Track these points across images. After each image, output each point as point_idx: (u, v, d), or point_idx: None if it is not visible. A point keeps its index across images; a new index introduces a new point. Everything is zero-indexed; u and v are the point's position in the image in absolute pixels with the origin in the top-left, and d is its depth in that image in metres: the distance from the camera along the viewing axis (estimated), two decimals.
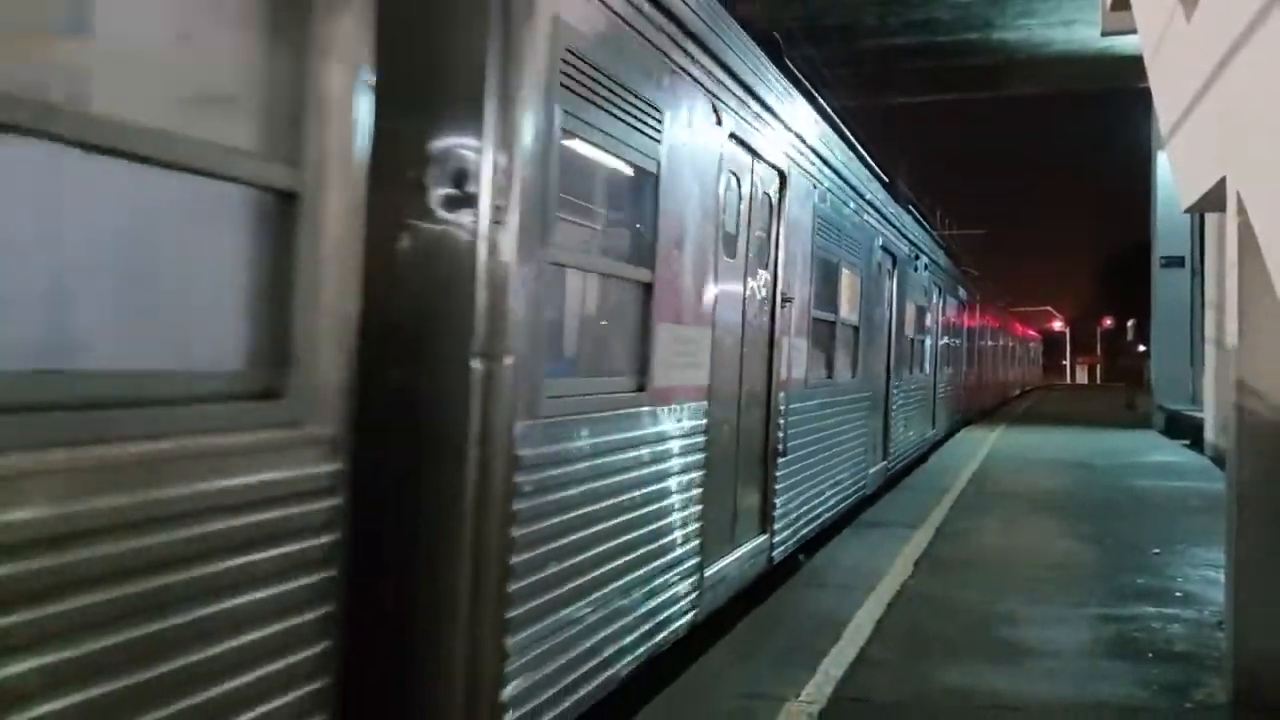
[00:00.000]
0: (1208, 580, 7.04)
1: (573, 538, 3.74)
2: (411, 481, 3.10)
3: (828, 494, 8.46)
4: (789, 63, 8.05)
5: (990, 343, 29.27)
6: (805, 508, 7.65)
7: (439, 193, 3.12)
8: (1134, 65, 10.27)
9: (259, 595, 2.31)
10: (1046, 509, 10.68)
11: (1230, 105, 4.92)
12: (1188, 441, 18.42)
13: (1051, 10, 20.73)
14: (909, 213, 14.54)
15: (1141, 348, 38.62)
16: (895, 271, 12.09)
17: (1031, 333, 56.94)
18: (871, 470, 10.67)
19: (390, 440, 2.95)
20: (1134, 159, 28.48)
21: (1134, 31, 8.86)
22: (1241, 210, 4.67)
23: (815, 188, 7.66)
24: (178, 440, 2.08)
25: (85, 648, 1.90)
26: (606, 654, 4.04)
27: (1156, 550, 8.25)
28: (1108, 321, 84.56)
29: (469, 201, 3.13)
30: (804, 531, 7.65)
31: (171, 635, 2.08)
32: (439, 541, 3.12)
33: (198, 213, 2.29)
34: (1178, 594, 6.78)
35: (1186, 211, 6.85)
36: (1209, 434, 16.24)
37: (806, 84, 8.74)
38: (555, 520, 3.60)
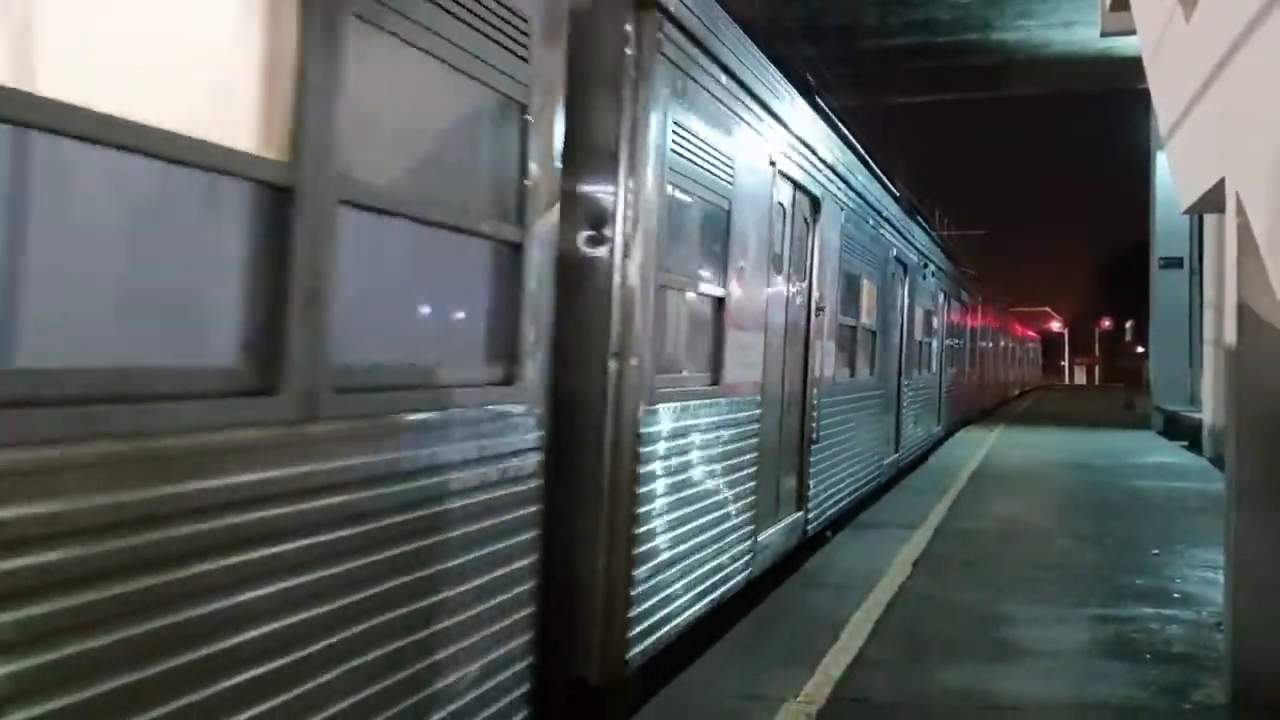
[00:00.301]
0: (1206, 581, 7.05)
1: (673, 496, 4.92)
2: (570, 448, 4.18)
3: (851, 479, 9.58)
4: (819, 100, 9.77)
5: (991, 344, 30.14)
6: (833, 490, 8.74)
7: (586, 234, 4.37)
8: (1133, 66, 10.27)
9: (512, 516, 3.51)
10: (1045, 509, 10.69)
11: (1230, 106, 4.92)
12: (1186, 442, 18.44)
13: (1051, 11, 20.73)
14: (917, 222, 15.80)
15: (1140, 349, 38.65)
16: (907, 279, 13.19)
17: (1030, 334, 57.02)
18: (886, 461, 11.68)
19: (558, 418, 3.92)
20: (1133, 160, 28.49)
21: (1133, 32, 8.86)
22: (1241, 211, 4.67)
23: (842, 209, 8.77)
24: (464, 410, 3.23)
25: (406, 564, 2.94)
26: (691, 592, 5.22)
27: (1155, 551, 8.26)
28: (1106, 322, 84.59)
29: (605, 241, 4.38)
30: (831, 511, 8.68)
31: (476, 536, 3.29)
32: (589, 493, 4.34)
33: (472, 260, 3.46)
34: (1176, 595, 6.78)
35: (1186, 212, 6.85)
36: (1207, 435, 16.25)
37: (835, 118, 10.50)
38: (662, 481, 4.78)
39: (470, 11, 3.16)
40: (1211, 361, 16.63)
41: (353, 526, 2.69)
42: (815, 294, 7.86)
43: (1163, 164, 20.85)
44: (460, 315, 3.55)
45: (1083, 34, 20.78)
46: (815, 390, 7.83)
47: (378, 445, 2.81)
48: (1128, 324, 41.96)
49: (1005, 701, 4.68)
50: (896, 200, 13.40)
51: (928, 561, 7.73)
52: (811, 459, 7.83)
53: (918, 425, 14.66)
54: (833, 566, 7.50)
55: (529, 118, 3.60)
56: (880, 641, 5.57)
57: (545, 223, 3.74)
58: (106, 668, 1.98)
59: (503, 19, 3.37)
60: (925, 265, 15.16)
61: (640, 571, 4.52)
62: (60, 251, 2.04)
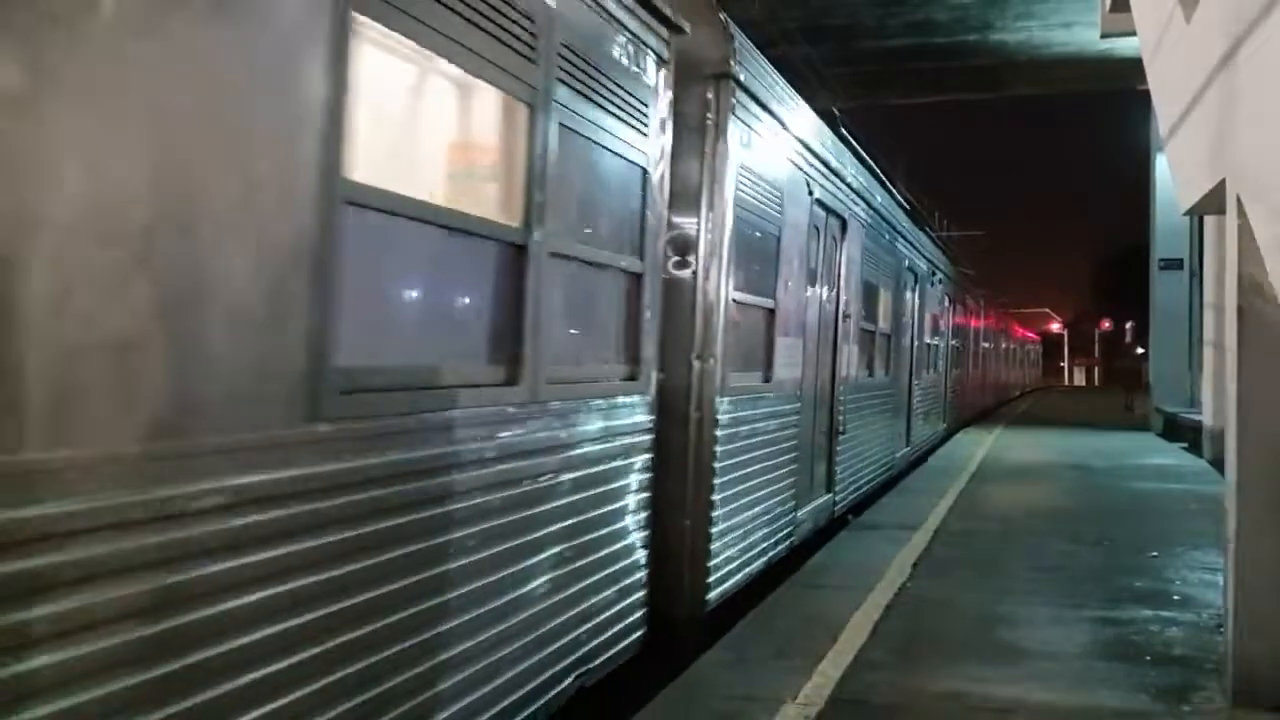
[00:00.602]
0: (1206, 583, 7.04)
1: (738, 473, 6.18)
2: (665, 430, 5.18)
3: (870, 468, 10.91)
4: (844, 130, 11.42)
5: (993, 345, 31.41)
6: (855, 476, 10.03)
7: (676, 260, 5.54)
8: (1133, 67, 10.27)
9: (635, 480, 4.79)
10: (1045, 511, 10.67)
11: (1230, 107, 4.91)
12: (1186, 444, 18.43)
13: (1051, 12, 20.69)
14: (924, 232, 17.21)
15: (1139, 350, 38.66)
16: (917, 286, 14.40)
17: (1030, 335, 57.08)
18: (898, 454, 12.98)
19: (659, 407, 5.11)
20: (1133, 161, 28.50)
21: (1133, 33, 8.85)
22: (1241, 213, 4.66)
23: (863, 227, 9.93)
24: (606, 402, 4.46)
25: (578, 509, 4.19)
26: (752, 551, 6.57)
27: (1154, 553, 8.24)
28: (1106, 323, 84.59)
29: (690, 265, 5.63)
30: (853, 495, 9.92)
31: (616, 492, 4.57)
32: (678, 465, 5.53)
33: (613, 288, 4.71)
34: (1176, 597, 6.77)
35: (1186, 214, 6.84)
36: (1207, 437, 16.24)
37: (857, 146, 11.72)
38: (732, 460, 6.06)
39: (624, 111, 4.51)
40: (1211, 363, 16.62)
41: (557, 475, 4.01)
42: (842, 303, 9.02)
43: (1162, 165, 20.84)
44: (608, 329, 4.71)
45: (1083, 35, 20.76)
46: (841, 388, 9.04)
47: (567, 420, 4.09)
48: (1127, 325, 41.89)
49: (1004, 704, 4.67)
50: (907, 213, 14.68)
51: (927, 563, 7.71)
52: (838, 449, 9.06)
53: (926, 422, 15.84)
54: (832, 567, 7.49)
55: (649, 176, 4.85)
56: (879, 643, 5.56)
57: (656, 255, 4.97)
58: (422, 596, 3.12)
59: (641, 112, 4.71)
60: (933, 273, 16.47)
61: (716, 530, 5.81)
62: (406, 289, 3.43)
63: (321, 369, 2.60)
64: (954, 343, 19.90)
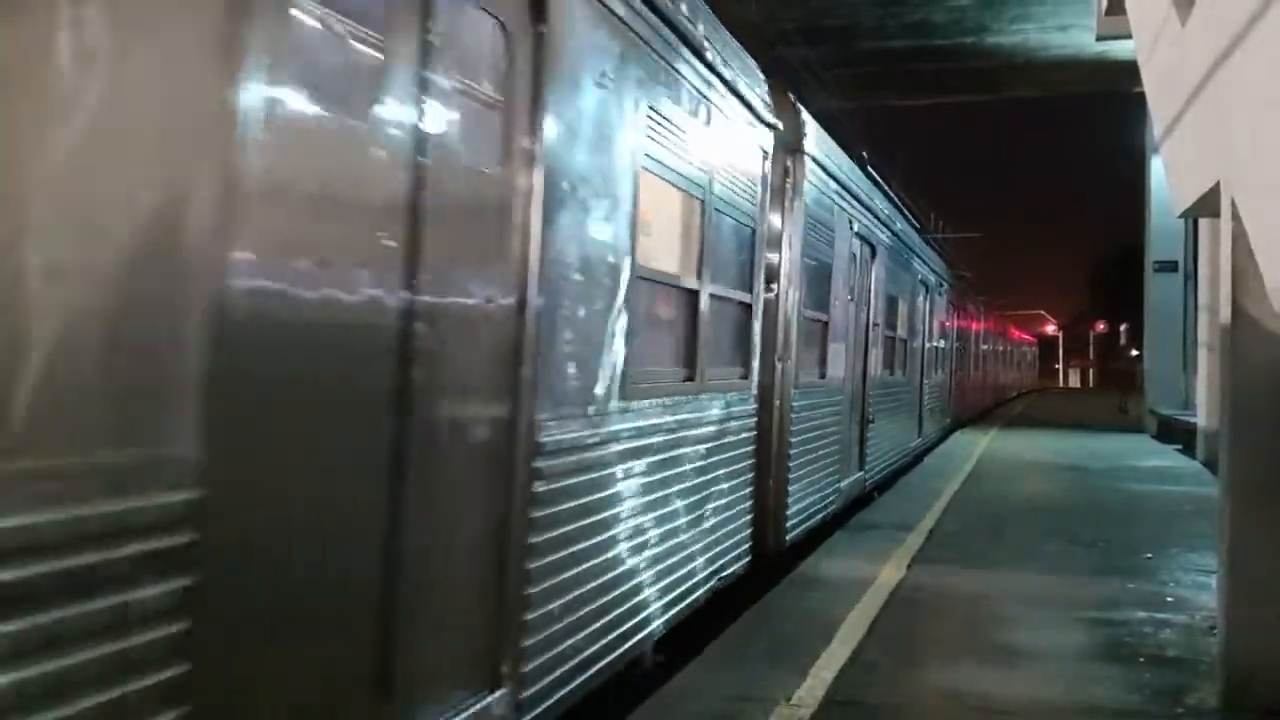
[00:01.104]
0: (1199, 585, 7.06)
1: (805, 449, 8.06)
2: (757, 417, 6.85)
3: (892, 452, 13.17)
4: (870, 170, 13.59)
5: (992, 348, 33.19)
6: (881, 458, 12.10)
7: (763, 283, 6.96)
8: (1129, 70, 10.28)
9: (747, 448, 6.65)
10: (1040, 512, 10.69)
11: (1225, 110, 4.92)
12: (1180, 446, 18.46)
13: (1047, 15, 20.72)
14: (931, 246, 19.14)
15: (1134, 352, 38.73)
16: (927, 297, 16.41)
17: (1027, 337, 57.25)
18: (911, 444, 15.17)
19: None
20: (1128, 163, 28.53)
21: (1128, 36, 8.87)
22: (1236, 215, 4.67)
23: (887, 250, 12.05)
24: (733, 394, 6.29)
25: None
26: (812, 509, 8.50)
27: (1149, 555, 8.26)
28: (1101, 325, 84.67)
29: (774, 290, 7.40)
30: (879, 474, 11.97)
31: (738, 457, 6.48)
32: (767, 441, 7.22)
33: (736, 315, 6.48)
34: (1170, 598, 6.79)
35: (1181, 216, 6.85)
36: (1201, 438, 16.27)
37: (883, 183, 14.62)
38: (801, 439, 7.88)
39: (745, 191, 6.48)
40: (1206, 365, 16.65)
41: (710, 441, 5.83)
42: (872, 313, 11.17)
43: (1157, 168, 20.88)
44: (733, 342, 6.48)
45: (1079, 38, 20.78)
46: (870, 385, 11.09)
47: (716, 405, 5.95)
48: (1122, 327, 41.93)
49: (999, 704, 4.68)
50: (918, 231, 16.83)
51: (921, 563, 7.73)
52: (868, 435, 11.03)
53: (934, 417, 17.95)
54: (827, 568, 7.50)
55: (756, 232, 6.79)
56: (874, 644, 5.57)
57: (759, 289, 6.86)
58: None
59: (754, 189, 6.71)
60: (940, 284, 18.49)
61: (791, 490, 7.68)
62: (655, 327, 5.32)
63: (626, 372, 4.50)
64: (957, 345, 21.90)
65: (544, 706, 3.74)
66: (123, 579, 1.94)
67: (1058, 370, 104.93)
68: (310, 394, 2.48)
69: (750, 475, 6.72)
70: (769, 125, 6.99)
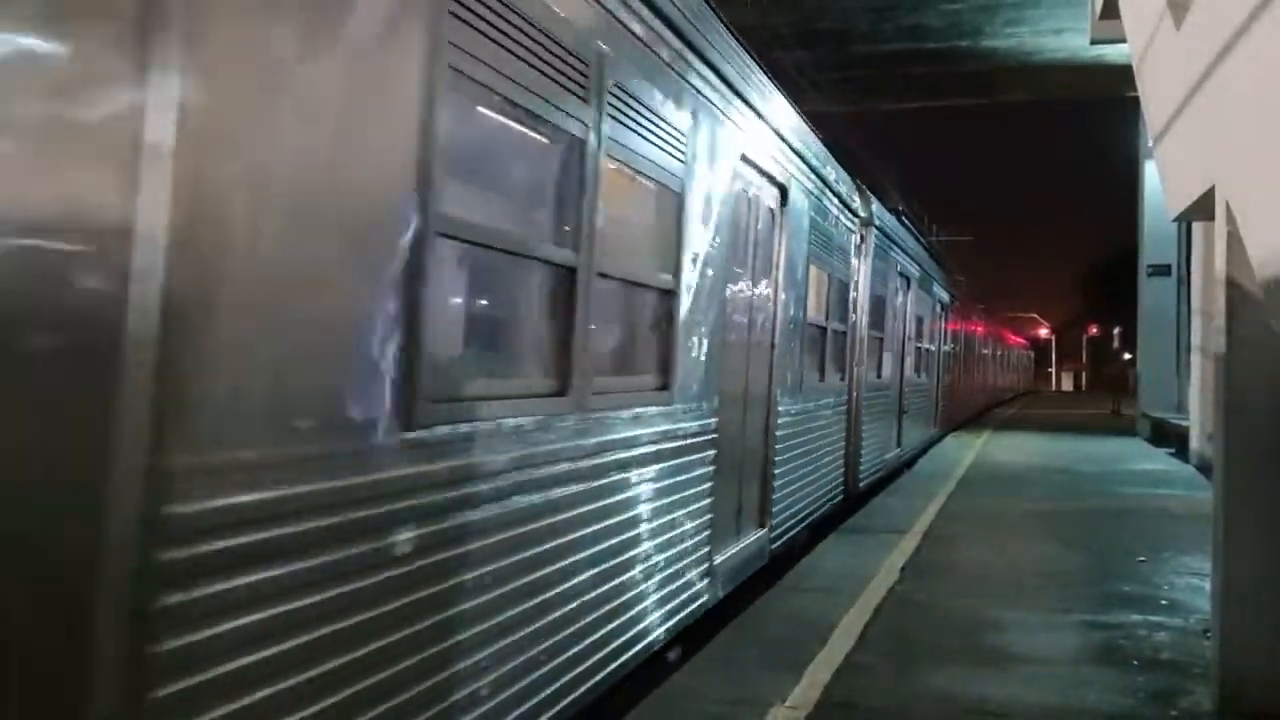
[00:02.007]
0: (1193, 588, 7.06)
1: (868, 427, 11.45)
2: (846, 404, 10.40)
3: (918, 436, 16.54)
4: (904, 213, 17.72)
5: (991, 352, 35.88)
6: (911, 440, 15.51)
7: (843, 314, 10.13)
8: (1123, 73, 10.31)
9: (843, 423, 10.42)
10: (1033, 515, 10.70)
11: (1220, 113, 4.92)
12: (1173, 449, 18.50)
13: (1042, 18, 20.79)
14: (940, 266, 21.39)
15: (1127, 355, 38.86)
16: (942, 313, 19.52)
17: (1021, 341, 57.58)
18: (931, 433, 18.21)
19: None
20: (1122, 167, 28.61)
21: (1123, 40, 8.87)
22: (1230, 219, 4.68)
23: (918, 280, 15.63)
24: (837, 386, 10.12)
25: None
26: (872, 465, 11.83)
27: (1142, 558, 8.27)
28: (1094, 329, 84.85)
29: (852, 318, 10.62)
30: (911, 452, 15.57)
31: (835, 431, 10.01)
32: (848, 422, 10.55)
33: (841, 337, 10.40)
34: (1163, 602, 6.79)
35: (1175, 220, 6.87)
36: (1194, 442, 16.30)
37: (912, 226, 17.82)
38: (867, 421, 11.32)
39: (845, 261, 9.86)
40: (1199, 369, 16.68)
41: (813, 421, 8.73)
42: (908, 331, 14.84)
43: (1151, 172, 20.91)
44: (838, 355, 9.29)
45: (1073, 41, 20.86)
46: (903, 381, 14.30)
47: (825, 394, 9.32)
48: (1115, 331, 42.07)
49: (992, 707, 4.67)
50: (931, 256, 19.40)
51: (915, 566, 7.72)
52: (904, 420, 14.64)
53: (944, 411, 20.40)
54: (820, 571, 7.49)
55: (849, 284, 10.30)
56: (868, 647, 5.56)
57: (850, 319, 10.43)
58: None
59: (850, 258, 9.94)
60: (953, 300, 21.87)
61: (862, 450, 11.08)
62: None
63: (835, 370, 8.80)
64: (961, 350, 25.40)
65: (780, 539, 7.52)
66: (695, 449, 5.39)
67: (1050, 374, 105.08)
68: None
69: (843, 438, 10.26)
70: (858, 215, 10.75)
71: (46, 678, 1.88)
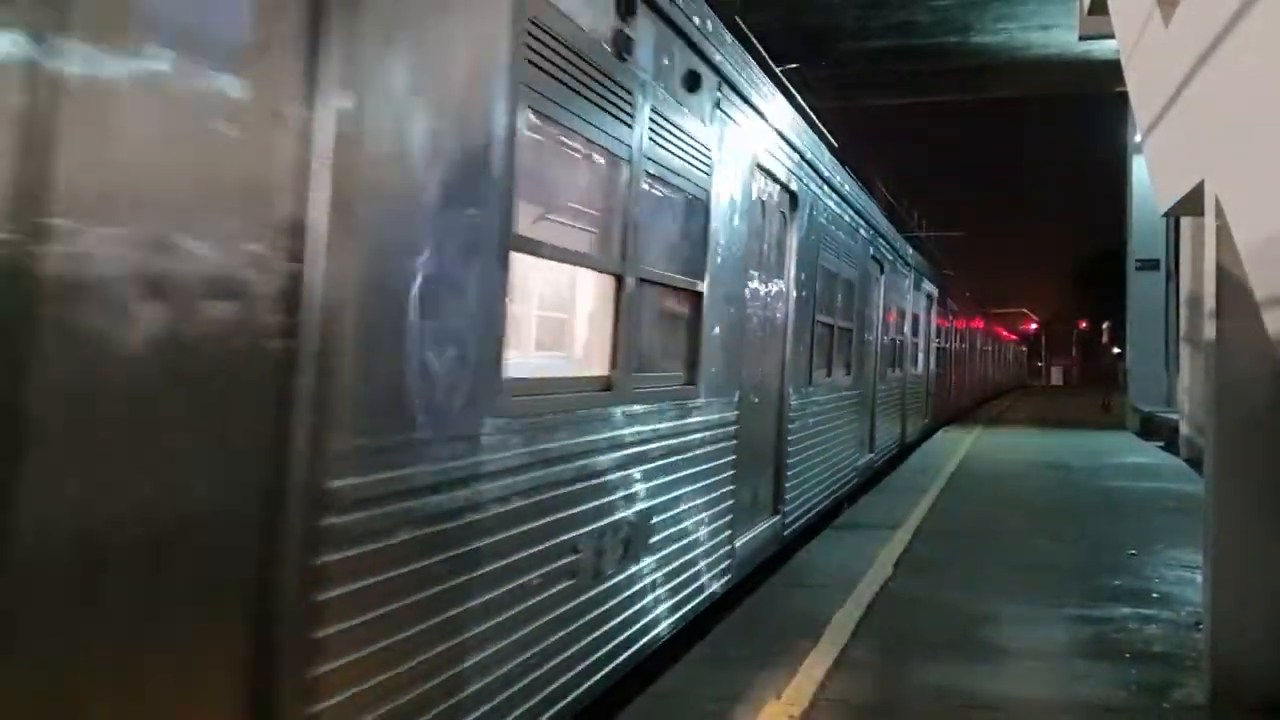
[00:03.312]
0: (1184, 581, 7.10)
1: (885, 412, 14.05)
2: (865, 394, 12.14)
3: (943, 413, 21.10)
4: (921, 249, 22.58)
5: (982, 346, 37.20)
6: (922, 423, 18.36)
7: (905, 332, 16.16)
8: (1111, 69, 10.35)
9: (863, 411, 12.06)
10: (1024, 509, 10.73)
11: (1209, 109, 4.95)
12: (1163, 443, 18.59)
13: (1030, 14, 20.85)
14: (943, 275, 24.61)
15: (1116, 350, 39.01)
16: (950, 318, 22.83)
17: (1013, 337, 58.00)
18: (925, 421, 19.65)
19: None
20: (1110, 162, 28.73)
21: (1111, 36, 8.92)
22: (1220, 214, 4.70)
23: (926, 288, 18.46)
24: (865, 378, 12.31)
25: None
26: (888, 443, 14.22)
27: (1133, 551, 8.30)
28: (1083, 324, 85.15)
29: (917, 336, 17.46)
30: (916, 435, 17.82)
31: (865, 417, 12.48)
32: (868, 408, 12.39)
33: (874, 340, 13.16)
34: (1155, 595, 6.82)
35: (1164, 215, 6.89)
36: (1184, 435, 16.38)
37: (921, 241, 27.38)
38: (884, 404, 13.79)
39: (907, 298, 15.77)
40: (1188, 362, 16.77)
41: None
42: (922, 332, 17.95)
43: (1139, 167, 21.00)
44: (888, 356, 13.76)
45: (1061, 37, 20.92)
46: (928, 376, 18.80)
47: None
48: (1104, 325, 42.24)
49: (986, 701, 4.69)
50: (932, 263, 22.28)
51: (908, 562, 7.74)
52: (930, 402, 19.18)
53: (943, 400, 22.61)
54: (813, 567, 7.51)
55: (920, 318, 16.98)
56: (862, 642, 5.57)
57: (927, 336, 18.36)
58: None
59: (914, 293, 16.40)
60: (961, 310, 25.30)
61: (877, 430, 12.94)
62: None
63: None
64: (971, 350, 29.16)
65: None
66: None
67: (1041, 368, 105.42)
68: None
69: (867, 421, 12.28)
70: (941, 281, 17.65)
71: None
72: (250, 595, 2.29)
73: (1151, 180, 6.96)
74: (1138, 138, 7.89)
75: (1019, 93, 30.05)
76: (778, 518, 7.52)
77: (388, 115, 2.69)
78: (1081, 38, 16.81)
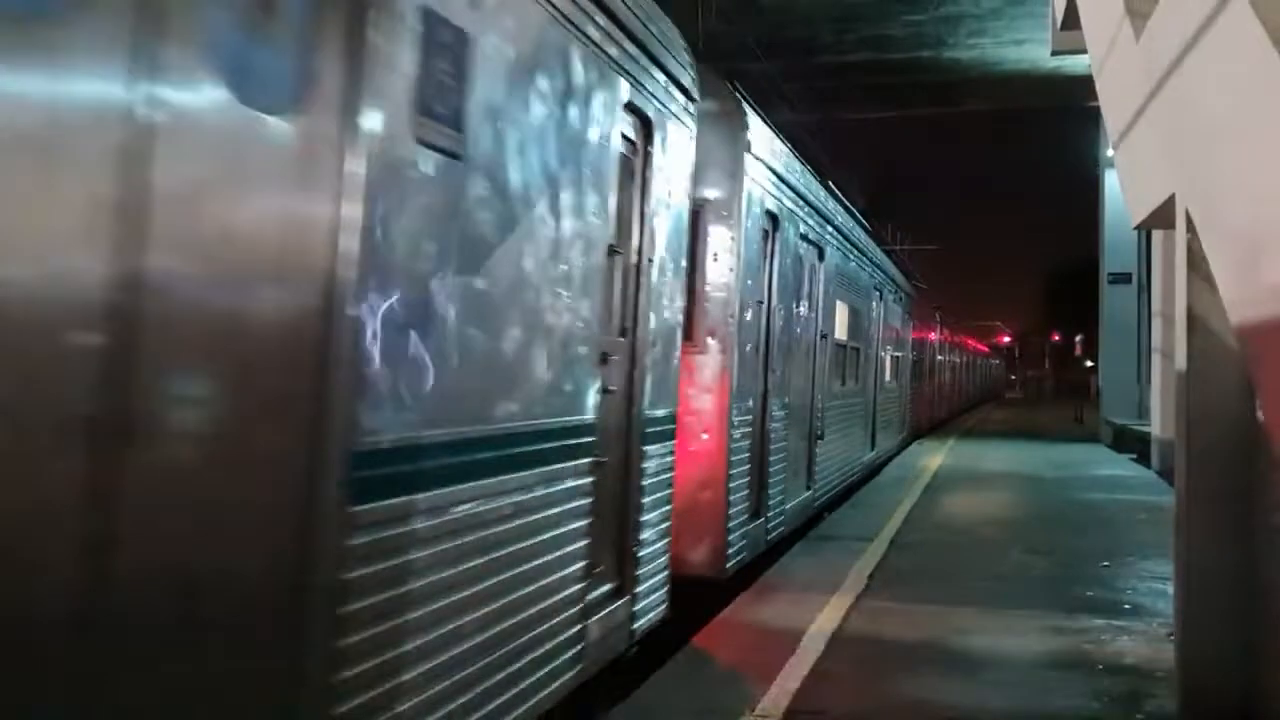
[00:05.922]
0: (1156, 592, 7.13)
1: (883, 418, 16.36)
2: (875, 399, 15.31)
3: (943, 414, 28.39)
4: (915, 286, 24.63)
5: (961, 360, 39.42)
6: (916, 427, 21.83)
7: (916, 354, 22.27)
8: (1083, 84, 10.44)
9: (866, 419, 14.60)
10: (998, 522, 10.77)
11: (1179, 123, 4.99)
12: (1135, 455, 18.72)
13: (1003, 30, 21.01)
14: (918, 287, 25.99)
15: (1089, 363, 39.35)
16: (934, 332, 26.32)
17: (986, 350, 58.53)
18: (926, 419, 24.08)
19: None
20: (1083, 176, 29.02)
21: (1083, 51, 8.98)
22: (1190, 227, 4.73)
23: (916, 314, 21.44)
24: (867, 385, 14.95)
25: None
26: (891, 444, 17.59)
27: (1105, 563, 8.35)
28: (1056, 337, 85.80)
29: (897, 355, 18.81)
30: (913, 434, 21.18)
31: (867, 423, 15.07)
32: (868, 415, 14.69)
33: (888, 361, 17.38)
34: (1127, 606, 6.85)
35: (1136, 229, 6.94)
36: (1156, 447, 16.50)
37: (909, 277, 24.28)
38: (884, 413, 16.46)
39: (907, 318, 19.51)
40: (1160, 375, 16.90)
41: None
42: (909, 349, 19.93)
43: (1112, 181, 21.20)
44: (892, 370, 17.42)
45: (1034, 53, 21.08)
46: (908, 388, 19.71)
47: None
48: (1077, 338, 42.59)
49: (960, 712, 4.69)
50: (917, 289, 24.40)
51: (883, 573, 7.74)
52: (906, 411, 20.09)
53: (914, 409, 22.74)
54: (788, 578, 7.49)
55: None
56: (836, 654, 5.56)
57: (905, 350, 20.09)
58: None
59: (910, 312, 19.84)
60: (951, 333, 27.68)
61: (876, 435, 15.43)
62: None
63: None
64: (958, 364, 31.98)
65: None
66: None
67: (1013, 381, 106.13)
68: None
69: (869, 427, 14.26)
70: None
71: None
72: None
73: (1124, 194, 7.00)
74: (1110, 151, 7.97)
75: (992, 106, 30.25)
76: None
77: None
78: (1054, 53, 16.95)
